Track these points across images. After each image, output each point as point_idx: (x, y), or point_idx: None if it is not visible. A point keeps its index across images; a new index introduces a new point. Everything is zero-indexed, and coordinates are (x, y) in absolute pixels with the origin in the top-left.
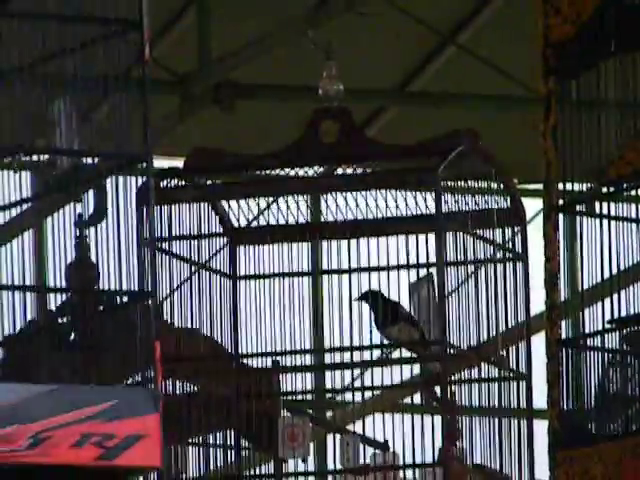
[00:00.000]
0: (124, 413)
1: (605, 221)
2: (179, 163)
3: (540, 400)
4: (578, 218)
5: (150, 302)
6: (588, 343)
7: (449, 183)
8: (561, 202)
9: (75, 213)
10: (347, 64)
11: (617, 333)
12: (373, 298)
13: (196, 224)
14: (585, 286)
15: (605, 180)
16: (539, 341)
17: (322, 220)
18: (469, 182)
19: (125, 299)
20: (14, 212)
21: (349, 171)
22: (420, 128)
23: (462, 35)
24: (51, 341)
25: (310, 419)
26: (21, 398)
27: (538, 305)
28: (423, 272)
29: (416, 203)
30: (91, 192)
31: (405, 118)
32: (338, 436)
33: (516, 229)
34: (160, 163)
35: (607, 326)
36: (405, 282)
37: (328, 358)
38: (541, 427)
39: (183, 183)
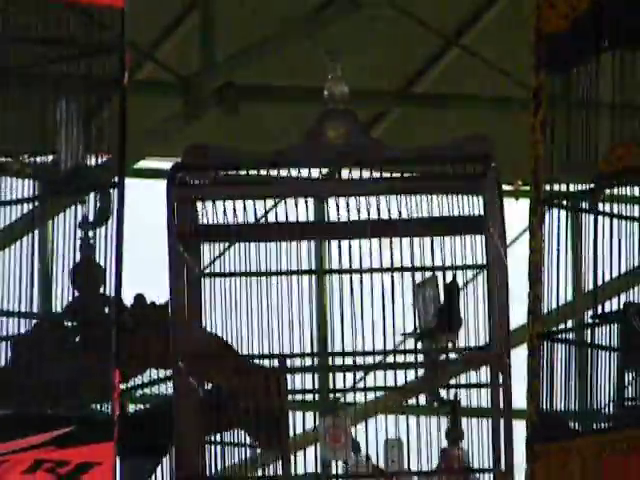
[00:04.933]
0: (79, 440)
1: (592, 215)
2: None
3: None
4: (564, 212)
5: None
6: (569, 337)
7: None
8: (548, 195)
9: (80, 215)
10: (350, 66)
11: (600, 327)
12: (452, 293)
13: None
14: (573, 280)
15: (595, 175)
16: None
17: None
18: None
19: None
20: (19, 214)
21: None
22: (423, 130)
23: (465, 37)
24: (55, 343)
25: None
26: None
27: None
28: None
29: (460, 206)
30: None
31: (408, 120)
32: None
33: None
34: (161, 165)
35: (590, 321)
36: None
37: (332, 360)
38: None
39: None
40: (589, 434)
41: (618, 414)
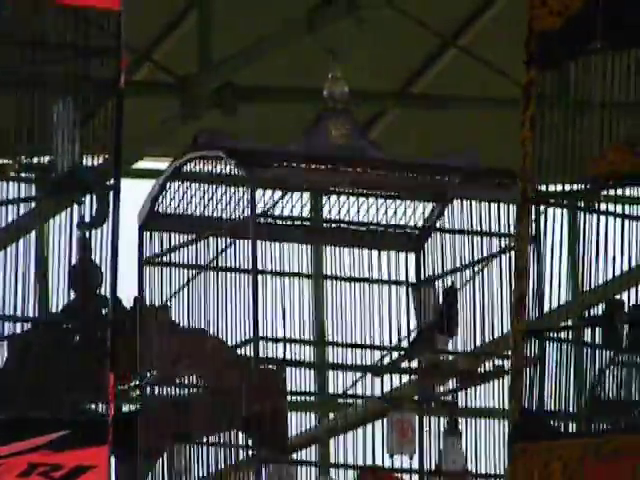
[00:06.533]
0: (73, 443)
1: (582, 214)
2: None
3: None
4: (551, 211)
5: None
6: (554, 335)
7: None
8: (534, 195)
9: (77, 215)
10: (348, 66)
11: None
12: (452, 298)
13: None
14: (562, 279)
15: (583, 177)
16: None
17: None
18: None
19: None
20: (16, 214)
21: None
22: (421, 130)
23: (463, 37)
24: (50, 345)
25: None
26: None
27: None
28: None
29: (488, 217)
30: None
31: (406, 120)
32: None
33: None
34: (159, 166)
35: (578, 322)
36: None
37: (331, 360)
38: None
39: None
40: (571, 436)
41: (602, 417)
